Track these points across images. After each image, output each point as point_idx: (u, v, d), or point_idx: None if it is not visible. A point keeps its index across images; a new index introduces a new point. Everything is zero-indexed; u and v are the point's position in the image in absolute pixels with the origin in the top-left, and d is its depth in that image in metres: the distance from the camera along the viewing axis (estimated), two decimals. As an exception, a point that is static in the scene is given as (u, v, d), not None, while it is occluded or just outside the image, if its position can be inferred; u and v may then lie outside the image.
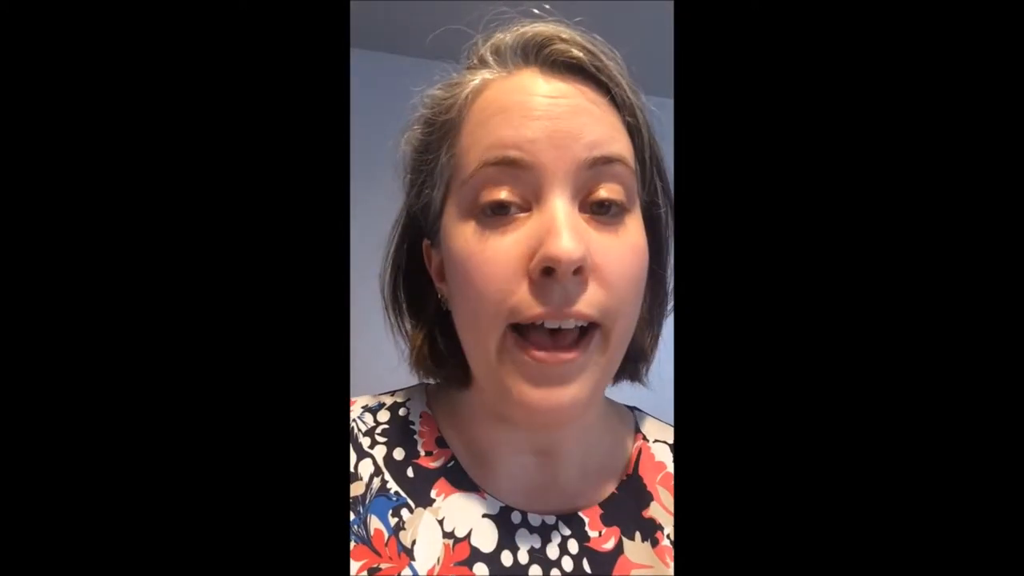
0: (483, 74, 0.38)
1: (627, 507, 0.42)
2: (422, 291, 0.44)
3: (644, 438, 0.46)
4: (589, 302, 0.34)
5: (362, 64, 1.62)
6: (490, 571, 0.39)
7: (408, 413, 0.45)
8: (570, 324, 0.34)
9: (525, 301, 0.34)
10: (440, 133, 0.39)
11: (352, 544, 0.39)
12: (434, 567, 0.39)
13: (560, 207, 0.34)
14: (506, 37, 0.38)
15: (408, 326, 0.45)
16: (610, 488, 0.43)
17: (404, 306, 0.45)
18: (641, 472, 0.44)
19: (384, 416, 0.45)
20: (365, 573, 0.39)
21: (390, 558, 0.39)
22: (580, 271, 0.33)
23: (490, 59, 0.39)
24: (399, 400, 0.46)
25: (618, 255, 0.35)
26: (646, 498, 0.42)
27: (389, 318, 0.45)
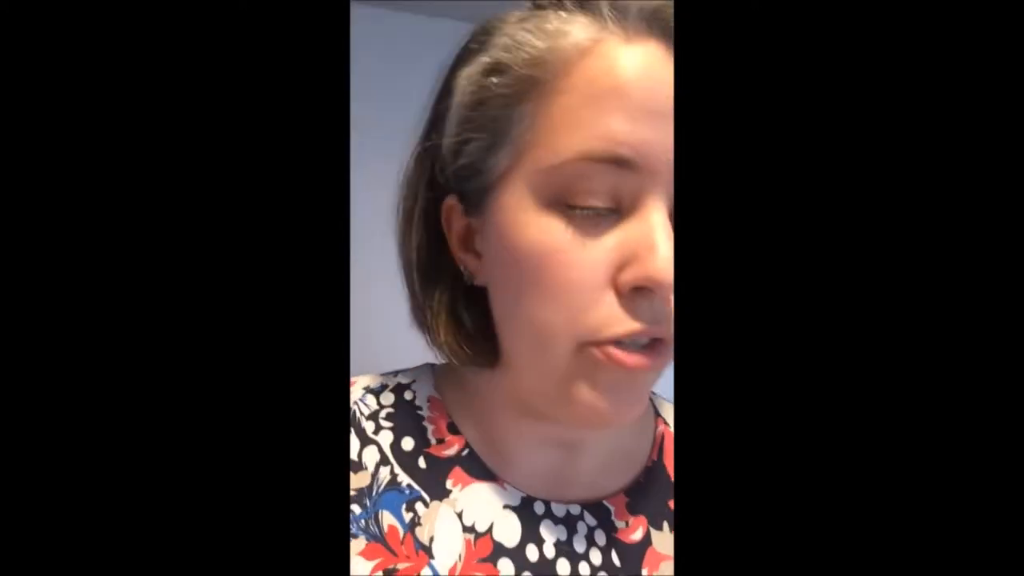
0: (592, 29, 0.31)
1: (652, 496, 0.40)
2: (437, 257, 0.38)
3: (664, 422, 0.44)
4: (668, 318, 0.31)
5: (362, 20, 1.52)
6: (516, 567, 0.36)
7: (414, 397, 0.41)
8: (644, 341, 0.31)
9: (612, 318, 0.30)
10: (520, 88, 0.32)
11: (364, 542, 0.35)
12: (456, 565, 0.35)
13: (658, 220, 0.30)
14: None
15: (431, 300, 0.38)
16: (634, 475, 0.41)
17: (432, 275, 0.38)
18: (665, 460, 0.42)
19: (388, 399, 0.40)
20: (380, 573, 0.34)
21: (407, 556, 0.35)
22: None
23: (606, 12, 0.31)
24: (403, 381, 0.41)
25: None
26: (671, 488, 0.41)
27: (410, 288, 0.39)
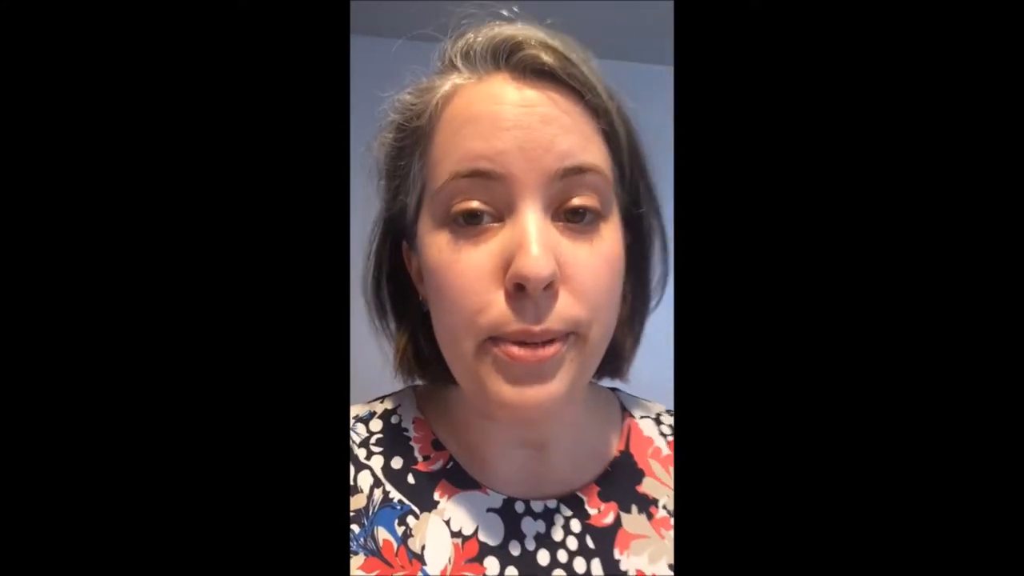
0: (453, 79, 0.38)
1: (622, 483, 0.44)
2: (404, 292, 0.44)
3: (631, 415, 0.48)
4: (560, 316, 0.35)
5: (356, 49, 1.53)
6: (500, 563, 0.40)
7: (400, 420, 0.45)
8: (540, 340, 0.35)
9: (502, 316, 0.34)
10: (412, 139, 0.39)
11: (363, 558, 0.39)
12: (446, 568, 0.39)
13: (531, 220, 0.34)
14: (476, 39, 0.38)
15: (392, 328, 0.45)
16: (603, 467, 0.45)
17: (388, 307, 0.45)
18: (632, 449, 0.46)
19: (376, 425, 0.45)
20: (379, 584, 0.38)
21: (402, 566, 0.39)
22: (551, 285, 0.34)
23: (459, 63, 0.38)
24: (389, 407, 0.46)
25: (591, 266, 0.36)
26: (638, 474, 0.45)
27: (374, 321, 0.45)
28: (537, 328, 0.34)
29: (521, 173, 0.34)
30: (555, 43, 0.37)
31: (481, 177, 0.34)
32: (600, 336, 0.37)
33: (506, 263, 0.34)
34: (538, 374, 0.35)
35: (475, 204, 0.35)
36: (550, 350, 0.35)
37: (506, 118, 0.35)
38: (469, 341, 0.36)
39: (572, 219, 0.36)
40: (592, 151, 0.36)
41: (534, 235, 0.33)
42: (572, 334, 0.36)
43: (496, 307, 0.34)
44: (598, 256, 0.36)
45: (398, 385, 0.47)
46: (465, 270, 0.35)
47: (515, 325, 0.34)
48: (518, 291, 0.34)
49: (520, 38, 0.36)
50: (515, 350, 0.35)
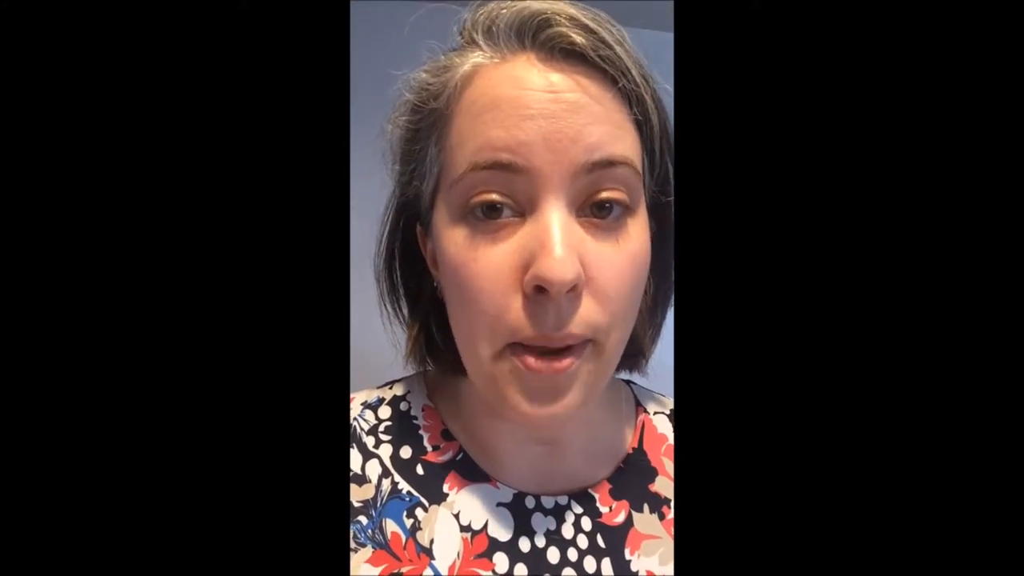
0: (474, 58, 0.35)
1: (634, 481, 0.43)
2: (418, 277, 0.42)
3: (645, 411, 0.47)
4: (582, 321, 0.33)
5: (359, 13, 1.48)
6: (509, 559, 0.39)
7: (410, 407, 0.44)
8: (559, 346, 0.33)
9: (520, 321, 0.32)
10: (428, 122, 0.36)
11: (371, 551, 0.38)
12: (455, 563, 0.39)
13: (555, 218, 0.32)
14: (499, 14, 0.34)
15: (405, 312, 0.44)
16: (616, 463, 0.44)
17: (401, 291, 0.43)
18: (646, 446, 0.45)
19: (385, 412, 0.44)
20: (387, 578, 0.38)
21: (410, 560, 0.39)
22: (574, 288, 0.32)
23: (481, 41, 0.35)
24: (398, 393, 0.45)
25: (616, 266, 0.33)
26: (651, 473, 0.44)
27: (386, 307, 0.43)
28: (557, 334, 0.32)
29: (545, 166, 0.32)
30: (587, 20, 0.33)
31: (502, 169, 0.32)
32: (618, 343, 0.36)
33: (525, 262, 0.32)
34: (554, 389, 0.34)
35: (495, 196, 0.33)
36: (566, 362, 0.33)
37: (531, 105, 0.32)
38: (488, 346, 0.34)
39: (598, 214, 0.33)
40: (623, 142, 0.34)
41: (558, 235, 0.31)
42: (590, 342, 0.34)
43: (514, 312, 0.33)
44: (623, 255, 0.34)
45: (404, 372, 0.46)
46: (483, 270, 0.33)
47: (534, 331, 0.32)
48: (538, 293, 0.32)
49: (548, 14, 0.33)
50: (532, 361, 0.33)
